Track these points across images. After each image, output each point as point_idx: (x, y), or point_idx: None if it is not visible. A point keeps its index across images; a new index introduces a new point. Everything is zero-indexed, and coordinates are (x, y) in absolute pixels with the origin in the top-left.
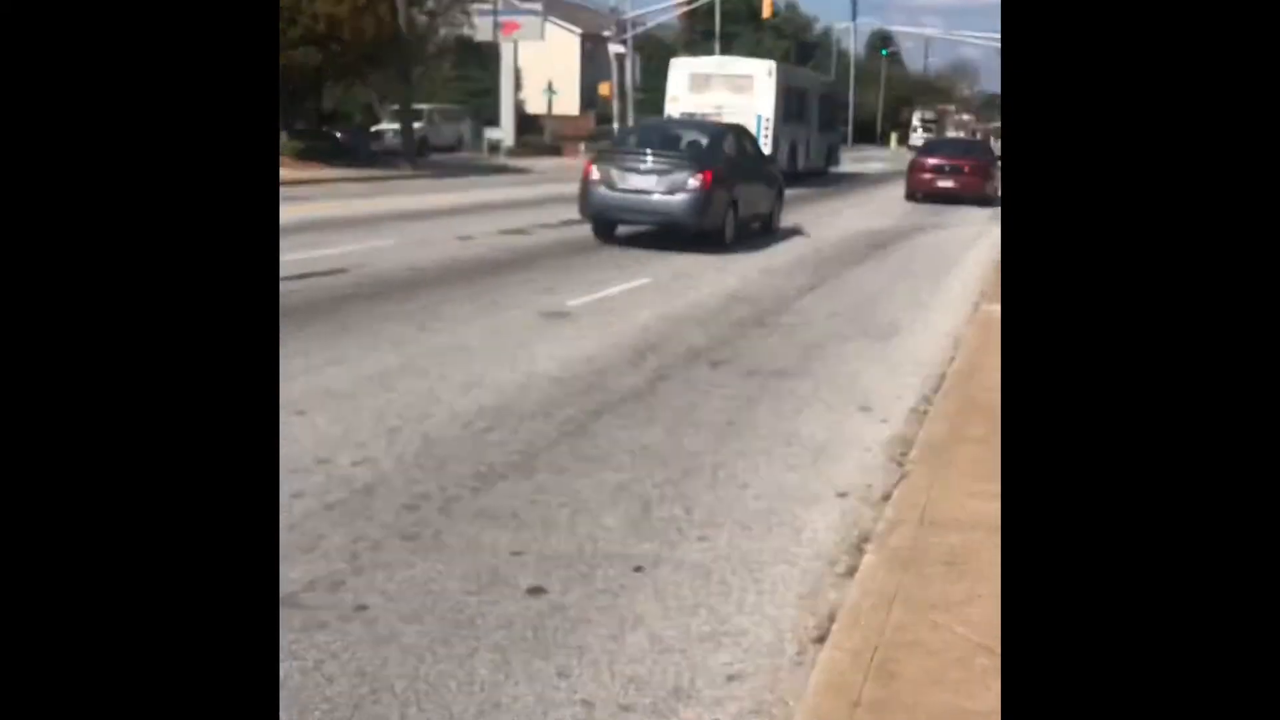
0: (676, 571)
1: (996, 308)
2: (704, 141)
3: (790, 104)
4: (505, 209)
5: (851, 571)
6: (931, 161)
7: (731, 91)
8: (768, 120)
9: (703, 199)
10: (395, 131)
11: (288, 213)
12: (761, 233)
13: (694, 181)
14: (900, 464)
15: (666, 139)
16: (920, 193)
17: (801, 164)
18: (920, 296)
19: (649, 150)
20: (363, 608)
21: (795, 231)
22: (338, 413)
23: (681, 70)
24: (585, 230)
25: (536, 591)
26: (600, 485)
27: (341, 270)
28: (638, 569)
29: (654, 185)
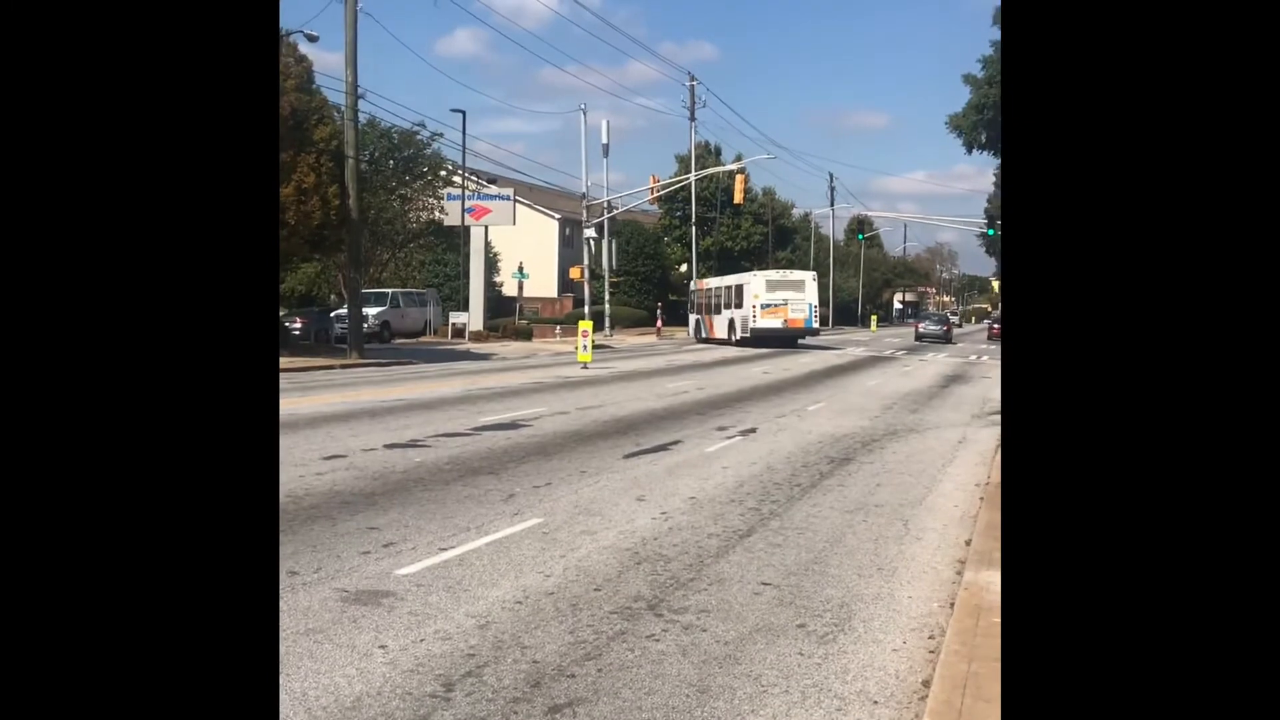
0: None
1: (991, 576)
2: (942, 316)
3: (821, 295)
4: (420, 410)
5: None
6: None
7: (793, 290)
8: (815, 306)
9: (949, 332)
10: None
11: None
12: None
13: (945, 327)
14: None
15: (930, 315)
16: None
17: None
18: (884, 551)
19: (929, 319)
20: None
21: (750, 434)
22: None
23: (759, 278)
24: (498, 439)
25: None
26: None
27: None
28: None
29: (934, 327)
